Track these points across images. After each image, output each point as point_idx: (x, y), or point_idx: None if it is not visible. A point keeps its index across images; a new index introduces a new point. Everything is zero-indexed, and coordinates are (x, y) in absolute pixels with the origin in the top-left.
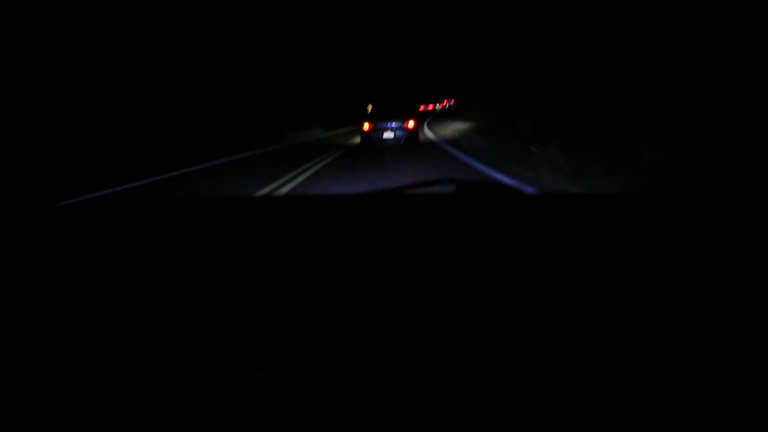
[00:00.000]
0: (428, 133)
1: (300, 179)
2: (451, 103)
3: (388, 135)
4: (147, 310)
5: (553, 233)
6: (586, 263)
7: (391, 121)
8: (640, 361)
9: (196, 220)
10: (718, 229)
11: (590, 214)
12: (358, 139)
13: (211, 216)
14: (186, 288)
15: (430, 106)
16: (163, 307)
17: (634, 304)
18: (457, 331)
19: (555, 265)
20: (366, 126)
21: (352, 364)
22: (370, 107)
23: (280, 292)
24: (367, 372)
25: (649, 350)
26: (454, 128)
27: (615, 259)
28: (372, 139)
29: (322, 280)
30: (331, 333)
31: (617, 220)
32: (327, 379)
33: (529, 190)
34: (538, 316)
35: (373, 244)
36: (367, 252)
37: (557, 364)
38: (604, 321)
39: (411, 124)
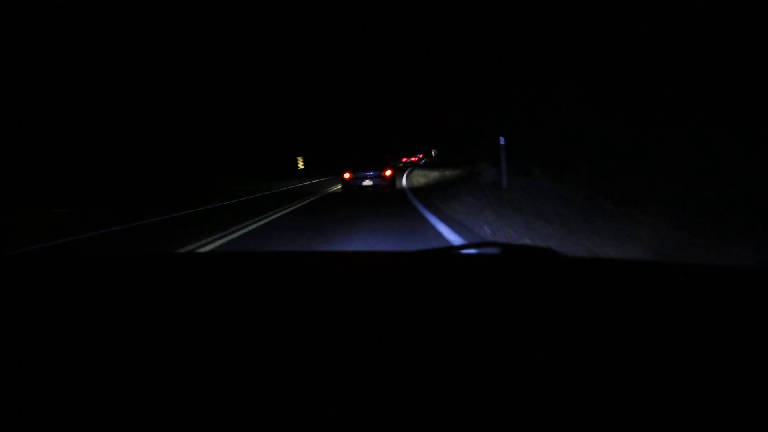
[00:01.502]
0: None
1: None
2: (432, 155)
3: (367, 183)
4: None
5: (591, 296)
6: (614, 326)
7: (370, 171)
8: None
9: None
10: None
11: (623, 279)
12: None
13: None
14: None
15: (413, 158)
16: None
17: (660, 368)
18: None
19: (590, 327)
20: (347, 175)
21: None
22: (300, 161)
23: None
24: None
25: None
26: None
27: (638, 325)
28: (352, 186)
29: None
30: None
31: (647, 287)
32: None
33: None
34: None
35: (423, 300)
36: (415, 307)
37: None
38: (630, 380)
39: (388, 173)
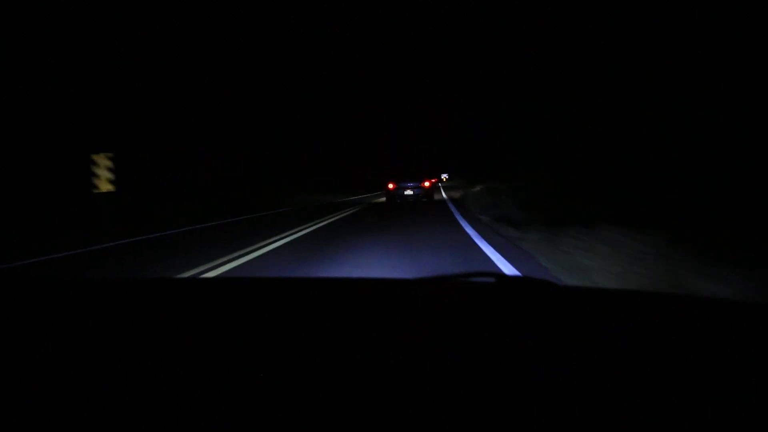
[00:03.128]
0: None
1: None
2: (443, 180)
3: (409, 192)
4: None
5: (585, 328)
6: (612, 360)
7: (411, 182)
8: None
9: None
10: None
11: (622, 311)
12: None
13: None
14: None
15: (433, 180)
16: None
17: (656, 402)
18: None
19: (586, 360)
20: (391, 186)
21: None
22: (102, 164)
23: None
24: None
25: None
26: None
27: (638, 358)
28: (396, 196)
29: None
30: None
31: (648, 319)
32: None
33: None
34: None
35: (418, 329)
36: (409, 336)
37: None
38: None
39: (427, 184)
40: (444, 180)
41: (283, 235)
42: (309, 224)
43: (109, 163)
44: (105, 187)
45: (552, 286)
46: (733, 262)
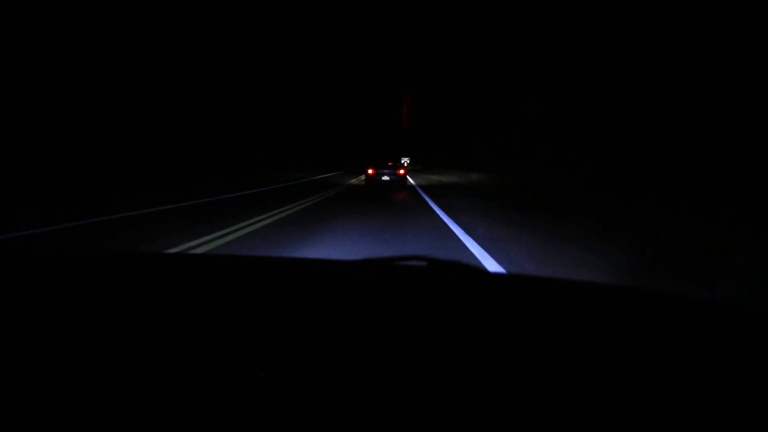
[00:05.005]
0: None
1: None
2: (405, 164)
3: (386, 178)
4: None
5: (511, 313)
6: (537, 344)
7: (387, 169)
8: None
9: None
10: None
11: (549, 297)
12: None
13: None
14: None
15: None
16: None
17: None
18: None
19: (510, 343)
20: (370, 171)
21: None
22: None
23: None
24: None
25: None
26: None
27: (562, 344)
28: (373, 180)
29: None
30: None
31: (576, 307)
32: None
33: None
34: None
35: (344, 308)
36: (339, 316)
37: None
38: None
39: (401, 172)
40: (405, 165)
41: None
42: None
43: None
44: None
45: (480, 272)
46: None
